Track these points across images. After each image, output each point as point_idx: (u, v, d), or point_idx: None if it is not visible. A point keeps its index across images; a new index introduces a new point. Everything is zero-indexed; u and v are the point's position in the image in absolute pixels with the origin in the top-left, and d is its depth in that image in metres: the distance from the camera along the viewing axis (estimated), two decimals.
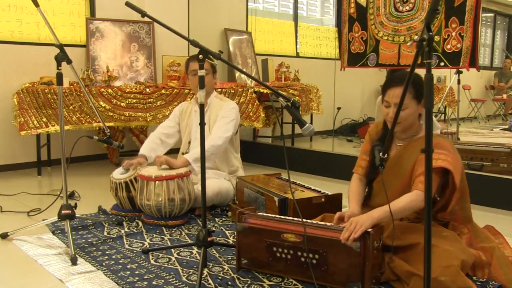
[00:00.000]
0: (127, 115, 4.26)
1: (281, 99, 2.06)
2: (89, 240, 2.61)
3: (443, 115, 7.60)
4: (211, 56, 2.09)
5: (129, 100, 4.28)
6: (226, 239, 2.65)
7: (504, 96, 8.57)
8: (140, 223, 2.90)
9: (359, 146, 5.74)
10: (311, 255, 2.01)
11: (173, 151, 3.29)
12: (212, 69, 3.21)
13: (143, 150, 3.22)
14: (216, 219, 3.00)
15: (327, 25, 7.82)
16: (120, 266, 2.26)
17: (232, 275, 2.15)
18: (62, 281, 2.11)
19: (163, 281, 2.10)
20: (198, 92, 2.14)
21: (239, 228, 2.15)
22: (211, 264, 2.28)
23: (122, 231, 2.75)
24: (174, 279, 2.12)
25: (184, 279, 2.12)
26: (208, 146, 2.94)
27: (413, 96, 2.11)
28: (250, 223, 2.15)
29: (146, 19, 2.19)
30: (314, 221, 2.16)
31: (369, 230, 1.92)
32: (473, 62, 3.58)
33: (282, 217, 2.21)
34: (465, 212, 2.23)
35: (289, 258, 2.06)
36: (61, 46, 2.48)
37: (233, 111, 3.19)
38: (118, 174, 3.06)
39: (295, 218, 2.15)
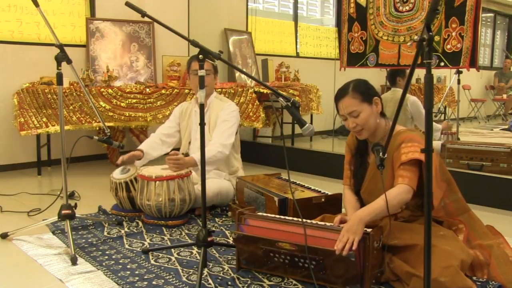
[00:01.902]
0: (127, 115, 4.26)
1: (281, 99, 2.06)
2: (89, 240, 2.61)
3: (443, 115, 7.59)
4: (211, 56, 2.09)
5: (129, 100, 4.28)
6: (226, 239, 2.66)
7: (504, 96, 8.57)
8: (140, 223, 2.90)
9: None
10: (308, 262, 2.00)
11: None
12: (214, 70, 3.21)
13: (142, 146, 3.24)
14: (216, 219, 3.00)
15: (327, 25, 7.82)
16: (120, 266, 2.26)
17: (232, 275, 2.15)
18: (62, 281, 2.11)
19: (163, 281, 2.10)
20: (198, 92, 2.14)
21: (235, 236, 2.15)
22: (211, 264, 2.28)
23: (122, 231, 2.75)
24: (174, 279, 2.12)
25: (184, 279, 2.13)
26: (215, 152, 2.98)
27: (360, 100, 2.12)
28: (247, 229, 2.15)
29: (146, 19, 2.19)
30: (314, 221, 2.16)
31: (369, 230, 1.92)
32: (473, 62, 3.58)
33: (282, 217, 2.21)
34: (457, 204, 2.22)
35: (287, 262, 2.06)
36: (61, 46, 2.48)
37: (234, 114, 3.19)
38: (118, 174, 3.07)
39: (295, 218, 2.15)
